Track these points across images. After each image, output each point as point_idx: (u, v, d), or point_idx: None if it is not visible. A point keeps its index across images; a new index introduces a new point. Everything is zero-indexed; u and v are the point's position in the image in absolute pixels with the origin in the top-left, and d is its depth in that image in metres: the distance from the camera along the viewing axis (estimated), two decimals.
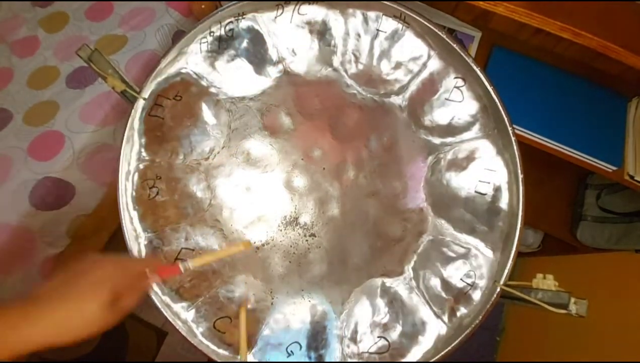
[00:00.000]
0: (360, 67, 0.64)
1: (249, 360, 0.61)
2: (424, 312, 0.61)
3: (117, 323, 0.44)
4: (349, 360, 0.61)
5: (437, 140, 0.64)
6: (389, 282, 0.65)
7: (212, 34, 0.62)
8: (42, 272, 1.04)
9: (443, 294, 0.61)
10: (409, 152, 0.67)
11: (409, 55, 0.61)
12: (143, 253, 0.61)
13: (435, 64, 0.60)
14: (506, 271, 0.56)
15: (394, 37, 0.60)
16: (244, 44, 0.63)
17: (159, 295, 0.60)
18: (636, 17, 0.82)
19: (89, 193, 1.07)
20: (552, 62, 0.97)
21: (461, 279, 0.60)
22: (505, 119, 0.56)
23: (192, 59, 0.63)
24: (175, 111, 0.64)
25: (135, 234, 0.61)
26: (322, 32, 0.62)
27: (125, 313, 0.45)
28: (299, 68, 0.65)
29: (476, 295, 0.58)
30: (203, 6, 1.14)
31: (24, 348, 0.38)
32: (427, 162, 0.66)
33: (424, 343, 0.59)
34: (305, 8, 0.61)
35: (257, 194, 0.75)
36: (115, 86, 0.58)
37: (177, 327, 0.59)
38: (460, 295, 0.59)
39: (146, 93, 0.61)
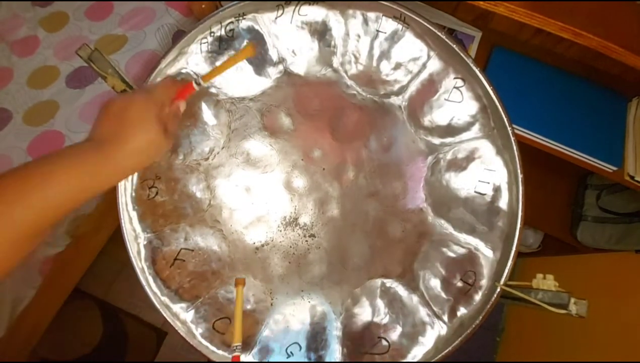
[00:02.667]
0: (360, 67, 0.64)
1: (248, 361, 0.61)
2: (424, 313, 0.61)
3: (170, 146, 0.51)
4: (349, 360, 0.61)
5: (436, 141, 0.64)
6: (388, 282, 0.65)
7: (212, 34, 0.62)
8: (42, 272, 1.04)
9: (443, 294, 0.61)
10: (409, 153, 0.67)
11: (408, 55, 0.61)
12: (142, 254, 0.61)
13: (434, 65, 0.60)
14: (506, 271, 0.56)
15: (393, 37, 0.60)
16: (245, 44, 0.63)
17: (159, 296, 0.60)
18: (636, 17, 0.82)
19: None
20: (552, 62, 0.97)
21: (461, 279, 0.60)
22: (505, 119, 0.56)
23: (193, 59, 0.63)
24: None
25: (135, 234, 0.61)
26: (322, 32, 0.62)
27: (174, 135, 0.51)
28: (299, 68, 0.65)
29: (476, 295, 0.58)
30: (203, 6, 1.14)
31: (118, 176, 0.46)
32: (426, 162, 0.66)
33: (424, 344, 0.59)
34: (306, 9, 0.61)
35: (257, 195, 0.75)
36: (115, 86, 0.58)
37: (176, 328, 0.60)
38: (460, 296, 0.59)
39: None
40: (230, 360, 0.60)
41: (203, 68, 0.64)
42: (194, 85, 0.55)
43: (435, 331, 0.60)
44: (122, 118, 0.45)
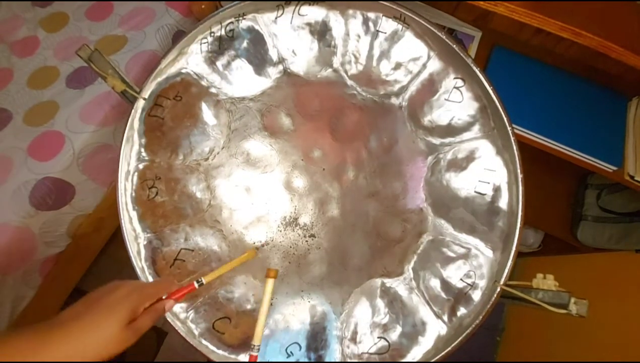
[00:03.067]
0: (360, 67, 0.64)
1: (247, 361, 0.61)
2: (424, 313, 0.61)
3: (134, 343, 0.45)
4: (349, 360, 0.61)
5: (436, 141, 0.64)
6: (388, 282, 0.65)
7: (212, 34, 0.62)
8: (42, 272, 1.04)
9: (443, 294, 0.61)
10: (409, 153, 0.67)
11: (408, 56, 0.61)
12: (142, 254, 0.61)
13: (434, 65, 0.60)
14: (506, 271, 0.56)
15: (393, 37, 0.60)
16: (244, 44, 0.63)
17: None
18: (636, 17, 0.82)
19: (88, 193, 1.07)
20: (552, 62, 0.97)
21: (461, 279, 0.60)
22: (505, 119, 0.56)
23: (193, 59, 0.63)
24: (175, 111, 0.64)
25: (135, 234, 0.61)
26: (322, 32, 0.62)
27: (142, 333, 0.46)
28: (299, 69, 0.65)
29: (476, 295, 0.58)
30: (203, 6, 1.14)
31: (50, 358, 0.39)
32: (426, 162, 0.66)
33: (424, 344, 0.59)
34: (306, 9, 0.61)
35: (257, 195, 0.75)
36: (115, 86, 0.58)
37: (176, 328, 0.59)
38: (460, 295, 0.59)
39: (146, 93, 0.61)
40: (229, 360, 0.60)
41: (203, 68, 0.64)
42: (195, 284, 0.55)
43: (435, 331, 0.59)
44: (91, 304, 0.44)
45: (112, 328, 0.42)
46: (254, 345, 0.55)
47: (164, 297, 0.52)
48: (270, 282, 0.57)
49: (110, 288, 0.46)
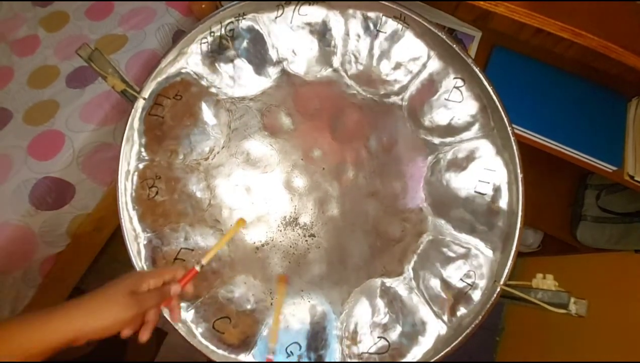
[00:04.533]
0: (360, 67, 0.64)
1: (248, 360, 0.61)
2: (424, 312, 0.61)
3: (138, 323, 0.49)
4: (349, 360, 0.61)
5: (436, 140, 0.64)
6: (388, 282, 0.65)
7: (212, 34, 0.62)
8: (42, 272, 1.04)
9: (443, 294, 0.61)
10: (409, 152, 0.67)
11: (408, 55, 0.61)
12: (143, 253, 0.61)
13: (434, 65, 0.60)
14: (506, 271, 0.56)
15: (393, 37, 0.60)
16: (244, 44, 0.63)
17: None
18: (636, 17, 0.82)
19: (88, 193, 1.07)
20: (552, 62, 0.97)
21: (461, 279, 0.60)
22: (505, 119, 0.56)
23: (193, 59, 0.63)
24: (175, 111, 0.64)
25: (135, 234, 0.61)
26: (322, 32, 0.62)
27: (145, 307, 0.49)
28: (299, 68, 0.65)
29: (476, 295, 0.58)
30: (203, 6, 1.14)
31: (57, 341, 0.42)
32: (426, 162, 0.66)
33: (424, 344, 0.59)
34: (306, 9, 0.61)
35: (257, 194, 0.75)
36: (115, 85, 0.58)
37: (176, 328, 0.59)
38: (460, 295, 0.59)
39: (146, 92, 0.61)
40: (229, 360, 0.60)
41: (203, 68, 0.64)
42: (197, 267, 0.56)
43: (435, 331, 0.59)
44: (100, 289, 0.47)
45: (115, 294, 0.46)
46: (271, 348, 0.57)
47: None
48: (281, 287, 0.60)
49: (117, 279, 0.49)
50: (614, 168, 0.90)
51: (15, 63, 1.18)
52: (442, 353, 0.57)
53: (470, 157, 0.62)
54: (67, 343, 0.43)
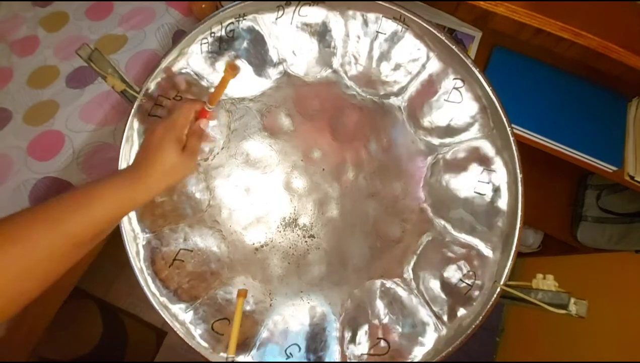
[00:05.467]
0: (360, 68, 0.64)
1: (247, 361, 0.61)
2: (424, 313, 0.61)
3: (194, 163, 0.55)
4: (349, 361, 0.61)
5: (436, 141, 0.64)
6: (388, 283, 0.65)
7: (212, 34, 0.62)
8: None
9: (443, 295, 0.61)
10: (409, 153, 0.67)
11: (408, 56, 0.61)
12: (141, 254, 0.61)
13: (434, 65, 0.60)
14: (506, 271, 0.56)
15: (393, 38, 0.60)
16: (245, 44, 0.63)
17: (157, 297, 0.60)
18: (636, 17, 0.82)
19: None
20: (552, 62, 0.97)
21: (461, 280, 0.60)
22: (504, 120, 0.56)
23: (193, 59, 0.63)
24: None
25: (134, 235, 0.61)
26: (322, 33, 0.62)
27: (197, 153, 0.55)
28: (299, 69, 0.65)
29: (476, 296, 0.58)
30: (203, 6, 1.14)
31: (149, 195, 0.51)
32: (426, 162, 0.66)
33: (424, 345, 0.59)
34: (306, 10, 0.61)
35: (257, 195, 0.75)
36: (115, 86, 0.58)
37: (175, 329, 0.59)
38: (460, 296, 0.59)
39: (146, 93, 0.61)
40: (228, 362, 0.60)
41: (203, 68, 0.64)
42: (206, 108, 0.56)
43: (435, 332, 0.59)
44: (146, 146, 0.52)
45: (172, 157, 0.51)
46: (229, 357, 0.56)
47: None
48: (240, 302, 0.60)
49: (150, 136, 0.53)
50: (614, 168, 0.90)
51: (15, 63, 1.18)
52: (442, 354, 0.57)
53: (469, 158, 0.62)
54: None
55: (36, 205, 0.44)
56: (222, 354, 0.60)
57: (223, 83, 0.55)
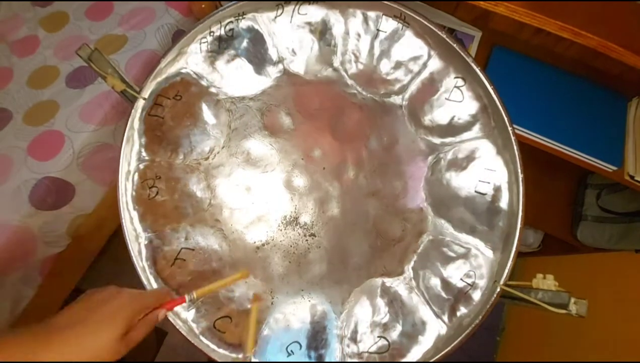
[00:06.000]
0: (361, 67, 0.64)
1: (248, 360, 0.61)
2: (424, 312, 0.61)
3: (120, 356, 0.45)
4: (349, 359, 0.61)
5: (437, 140, 0.64)
6: (389, 281, 0.65)
7: (212, 33, 0.62)
8: (42, 272, 1.04)
9: (443, 294, 0.61)
10: (409, 152, 0.67)
11: (409, 55, 0.61)
12: (143, 254, 0.61)
13: (435, 64, 0.60)
14: (506, 271, 0.56)
15: (394, 37, 0.60)
16: (244, 43, 0.63)
17: None
18: (636, 17, 0.82)
19: (89, 193, 1.07)
20: (552, 62, 0.97)
21: (461, 279, 0.60)
22: (505, 119, 0.56)
23: (192, 58, 0.63)
24: (175, 111, 0.64)
25: (136, 234, 0.61)
26: (322, 32, 0.62)
27: (134, 345, 0.46)
28: (299, 68, 0.65)
29: (476, 295, 0.58)
30: (203, 6, 1.14)
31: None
32: (427, 161, 0.66)
33: (424, 343, 0.59)
34: (305, 8, 0.61)
35: (257, 194, 0.75)
36: (115, 86, 0.58)
37: (177, 327, 0.59)
38: (460, 295, 0.59)
39: (146, 93, 0.61)
40: (230, 360, 0.60)
41: (203, 68, 0.64)
42: (187, 298, 0.55)
43: (435, 330, 0.59)
44: (92, 308, 0.44)
45: (109, 339, 0.43)
46: (247, 356, 0.57)
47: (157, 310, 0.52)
48: (254, 310, 0.61)
49: (110, 294, 0.46)
50: (614, 168, 0.91)
51: (15, 63, 1.18)
52: (442, 353, 0.57)
53: (470, 157, 0.61)
54: None
55: None
56: (234, 354, 0.61)
57: (224, 283, 0.60)
